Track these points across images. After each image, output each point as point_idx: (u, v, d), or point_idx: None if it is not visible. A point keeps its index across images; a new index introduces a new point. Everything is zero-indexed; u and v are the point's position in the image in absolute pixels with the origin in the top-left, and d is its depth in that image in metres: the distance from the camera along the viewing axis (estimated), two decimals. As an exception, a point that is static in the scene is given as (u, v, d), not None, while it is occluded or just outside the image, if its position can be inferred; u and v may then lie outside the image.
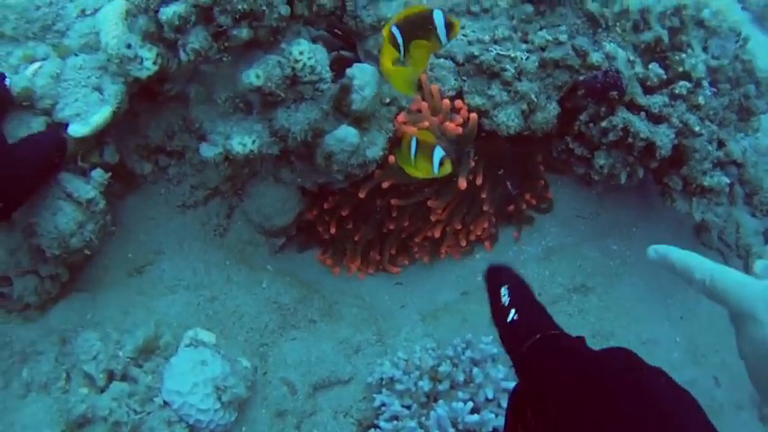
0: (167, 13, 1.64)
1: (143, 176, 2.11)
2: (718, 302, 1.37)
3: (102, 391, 1.77)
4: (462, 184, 2.06)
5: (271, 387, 2.01)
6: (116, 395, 1.75)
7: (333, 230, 2.23)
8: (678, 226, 2.50)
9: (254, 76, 1.74)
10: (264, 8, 1.69)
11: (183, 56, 1.73)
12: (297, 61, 1.77)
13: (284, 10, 1.74)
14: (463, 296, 2.36)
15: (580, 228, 2.47)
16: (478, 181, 2.11)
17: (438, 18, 1.63)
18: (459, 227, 2.23)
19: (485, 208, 2.21)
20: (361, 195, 2.12)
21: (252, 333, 2.08)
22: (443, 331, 2.22)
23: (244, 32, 1.69)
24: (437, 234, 2.22)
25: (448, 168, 1.87)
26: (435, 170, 1.87)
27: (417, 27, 1.64)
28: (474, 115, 2.10)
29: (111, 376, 1.79)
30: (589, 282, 2.37)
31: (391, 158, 2.05)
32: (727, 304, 1.33)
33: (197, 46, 1.68)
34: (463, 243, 2.32)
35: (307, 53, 1.78)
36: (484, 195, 2.19)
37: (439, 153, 1.86)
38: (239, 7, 1.64)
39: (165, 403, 1.80)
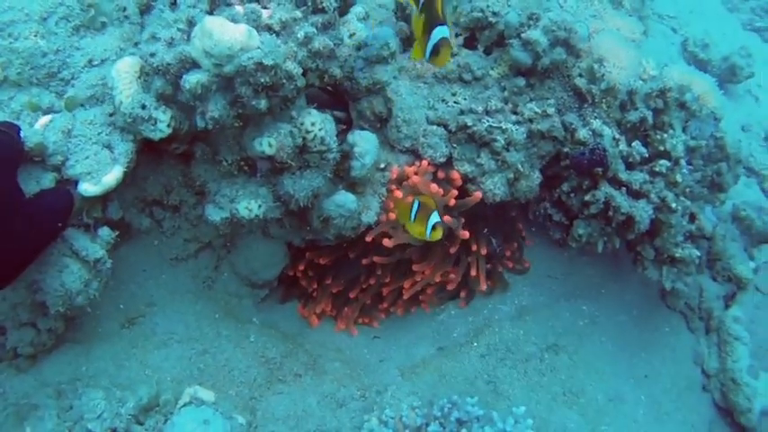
0: (191, 81, 1.66)
1: (137, 228, 2.10)
2: None
3: None
4: (465, 234, 2.14)
5: (261, 440, 2.05)
6: None
7: (314, 286, 2.29)
8: (645, 288, 2.60)
9: (266, 144, 1.77)
10: (284, 81, 1.72)
11: (200, 122, 1.75)
12: (308, 132, 1.81)
13: (301, 82, 1.77)
14: (439, 351, 2.41)
15: (552, 288, 2.55)
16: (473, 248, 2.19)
17: (438, 32, 1.64)
18: (438, 280, 2.28)
19: (472, 272, 2.30)
20: (351, 256, 2.18)
21: (242, 387, 2.11)
22: (424, 387, 2.27)
23: (262, 103, 1.71)
24: (418, 284, 2.27)
25: (438, 234, 1.95)
26: (428, 234, 1.95)
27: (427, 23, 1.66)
28: (478, 194, 2.17)
29: None
30: (560, 341, 2.45)
31: (392, 215, 2.11)
32: None
33: (216, 115, 1.70)
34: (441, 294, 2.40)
35: (318, 124, 1.82)
36: (474, 247, 2.27)
37: (434, 218, 1.93)
38: (262, 80, 1.67)
39: None
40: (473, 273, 2.29)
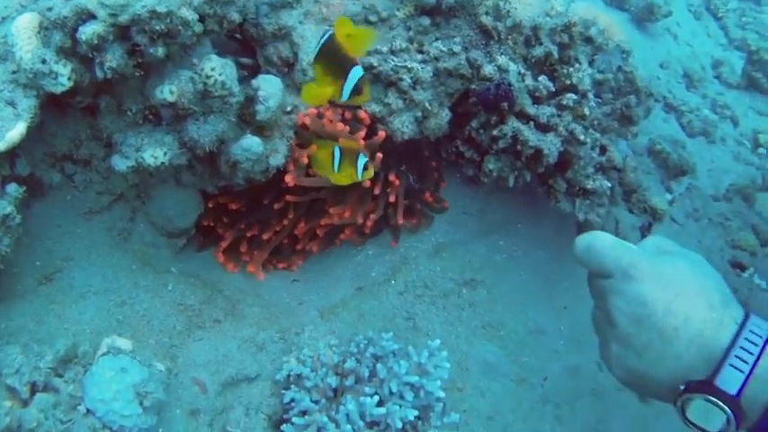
0: (87, 32, 1.70)
1: (49, 184, 2.13)
2: (593, 265, 1.59)
3: (26, 403, 1.80)
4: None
5: (182, 387, 2.08)
6: (42, 406, 1.79)
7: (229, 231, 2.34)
8: (560, 222, 2.66)
9: (168, 92, 1.81)
10: (180, 27, 1.76)
11: (99, 73, 1.79)
12: (209, 77, 1.84)
13: (198, 28, 1.81)
14: (358, 291, 2.48)
15: (467, 225, 2.62)
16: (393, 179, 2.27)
17: (354, 74, 1.73)
18: (360, 221, 2.33)
19: (390, 199, 2.34)
20: (266, 201, 2.24)
21: (161, 335, 2.15)
22: (343, 327, 2.34)
23: (160, 51, 1.76)
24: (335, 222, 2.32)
25: (371, 173, 1.99)
26: (359, 176, 1.98)
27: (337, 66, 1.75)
28: (382, 134, 2.22)
29: (33, 388, 1.83)
30: (478, 276, 2.52)
31: (304, 159, 2.16)
32: (604, 264, 1.55)
33: (114, 65, 1.75)
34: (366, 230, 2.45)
35: (218, 69, 1.85)
36: (393, 178, 2.33)
37: (362, 159, 1.97)
38: (157, 28, 1.71)
39: (89, 411, 1.84)
40: (392, 199, 2.34)
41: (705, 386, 1.38)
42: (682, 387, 1.41)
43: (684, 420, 1.42)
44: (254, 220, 2.33)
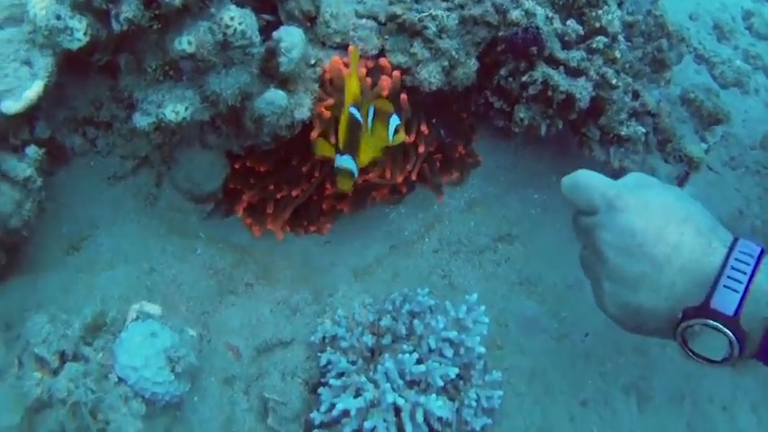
0: (101, -18, 1.62)
1: (72, 150, 2.06)
2: (580, 201, 1.62)
3: (56, 372, 1.75)
4: (412, 137, 2.13)
5: (216, 354, 2.02)
6: (72, 376, 1.73)
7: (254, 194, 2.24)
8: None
9: (186, 42, 1.72)
10: (197, -25, 1.68)
11: (115, 26, 1.70)
12: (228, 27, 1.75)
13: (216, -24, 1.73)
14: (392, 250, 2.39)
15: (500, 179, 2.52)
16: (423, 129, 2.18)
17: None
18: (400, 180, 2.24)
19: (420, 150, 2.24)
20: (294, 162, 2.15)
21: (192, 302, 2.08)
22: (378, 286, 2.26)
23: (176, 0, 1.67)
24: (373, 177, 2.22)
25: (402, 137, 1.94)
26: (390, 138, 1.93)
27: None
28: (396, 73, 2.11)
29: (62, 357, 1.77)
30: (513, 230, 2.44)
31: (327, 114, 2.07)
32: (590, 199, 1.57)
33: (130, 15, 1.66)
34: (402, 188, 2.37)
35: (237, 18, 1.76)
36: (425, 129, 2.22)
37: (395, 121, 1.92)
38: (173, -25, 1.63)
39: (120, 379, 1.78)
40: (421, 150, 2.24)
41: (701, 310, 1.36)
42: (679, 316, 1.40)
43: (688, 353, 1.42)
44: (280, 180, 2.23)
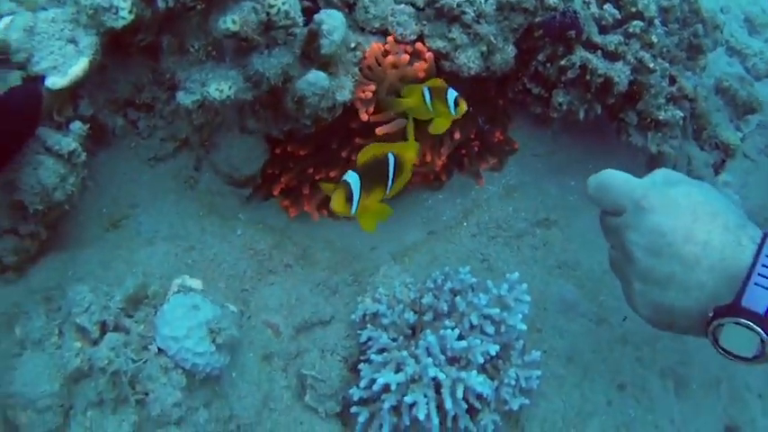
0: (148, -41, 1.64)
1: (112, 132, 2.08)
2: (606, 202, 1.63)
3: (96, 343, 1.76)
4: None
5: (255, 331, 2.03)
6: (113, 345, 1.74)
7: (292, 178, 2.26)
8: (632, 158, 2.55)
9: (230, 21, 1.73)
10: (242, -44, 1.70)
11: (160, 3, 1.73)
12: (272, 6, 1.77)
13: (259, -43, 1.75)
14: (430, 235, 2.41)
15: (537, 166, 2.53)
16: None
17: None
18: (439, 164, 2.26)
19: (456, 136, 2.26)
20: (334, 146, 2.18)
21: (232, 280, 2.10)
22: (417, 269, 2.27)
23: (222, -23, 1.69)
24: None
25: (463, 107, 1.95)
26: (453, 111, 1.95)
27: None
28: (430, 54, 2.12)
29: (103, 328, 1.78)
30: (551, 215, 2.44)
31: (368, 94, 2.08)
32: (616, 199, 1.59)
33: (176, -8, 1.69)
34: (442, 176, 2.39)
35: (281, -1, 1.79)
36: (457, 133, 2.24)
37: (452, 94, 1.94)
38: (218, -45, 1.66)
39: (160, 351, 1.79)
40: (456, 136, 2.25)
41: (732, 309, 1.35)
42: (710, 315, 1.38)
43: (720, 351, 1.40)
44: (319, 163, 2.24)
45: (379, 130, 2.09)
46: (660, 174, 1.61)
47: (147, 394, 1.77)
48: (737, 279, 1.35)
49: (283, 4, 1.78)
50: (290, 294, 2.13)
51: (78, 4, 1.75)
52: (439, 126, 2.02)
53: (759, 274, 1.33)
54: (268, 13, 1.78)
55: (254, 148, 2.18)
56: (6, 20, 1.74)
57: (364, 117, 2.10)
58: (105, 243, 2.04)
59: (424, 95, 1.98)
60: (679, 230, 1.44)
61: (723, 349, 1.39)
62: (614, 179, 1.61)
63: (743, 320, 1.32)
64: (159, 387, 1.77)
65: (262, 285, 2.13)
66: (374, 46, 2.11)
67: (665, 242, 1.44)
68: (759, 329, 1.31)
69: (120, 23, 1.75)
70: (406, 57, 2.09)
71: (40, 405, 1.69)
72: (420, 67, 2.08)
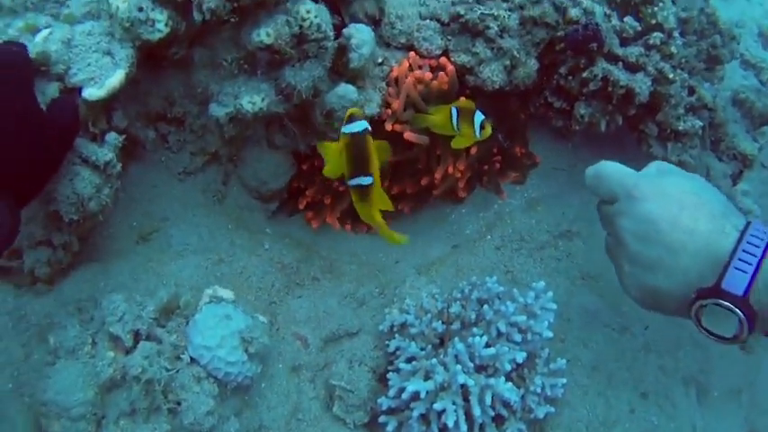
0: (185, -27, 1.69)
1: (143, 145, 2.13)
2: (601, 190, 1.79)
3: (128, 352, 1.80)
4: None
5: (284, 343, 2.08)
6: (146, 354, 1.78)
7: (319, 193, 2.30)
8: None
9: (264, 34, 1.79)
10: (274, -30, 1.75)
11: (197, 15, 1.77)
12: (304, 20, 1.82)
13: (291, -29, 1.80)
14: (454, 249, 2.45)
15: (559, 179, 2.58)
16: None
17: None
18: (458, 173, 2.29)
19: (472, 152, 2.29)
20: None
21: (260, 292, 2.14)
22: (442, 281, 2.31)
23: (258, -10, 1.74)
24: (438, 175, 2.27)
25: (488, 131, 2.03)
26: (477, 134, 2.03)
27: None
28: (451, 68, 2.18)
29: (136, 337, 1.82)
30: (573, 227, 2.48)
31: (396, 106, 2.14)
32: (610, 188, 1.74)
33: (213, 5, 1.72)
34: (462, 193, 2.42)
35: (313, 12, 1.83)
36: (474, 149, 2.28)
37: (479, 117, 2.01)
38: (252, -31, 1.70)
39: (192, 360, 1.83)
40: (473, 151, 2.29)
41: (713, 291, 1.47)
42: (693, 296, 1.50)
43: (702, 330, 1.53)
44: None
45: (407, 135, 2.15)
46: (654, 165, 1.76)
47: (179, 403, 1.80)
48: (720, 264, 1.47)
49: (315, 17, 1.83)
50: (317, 307, 2.18)
51: (114, 17, 1.79)
52: (460, 142, 2.09)
53: (739, 259, 1.44)
54: (301, 26, 1.83)
55: (281, 164, 2.23)
56: (45, 32, 1.77)
57: (389, 127, 2.16)
58: (136, 255, 2.07)
59: (451, 115, 2.04)
60: (667, 218, 1.56)
61: (705, 329, 1.52)
62: (610, 169, 1.77)
63: (723, 302, 1.44)
64: (192, 396, 1.80)
65: (290, 298, 2.18)
66: (403, 63, 2.17)
67: (654, 229, 1.57)
68: (737, 310, 1.42)
69: (156, 36, 1.80)
70: (429, 74, 2.15)
71: (74, 413, 1.72)
72: (441, 79, 2.14)
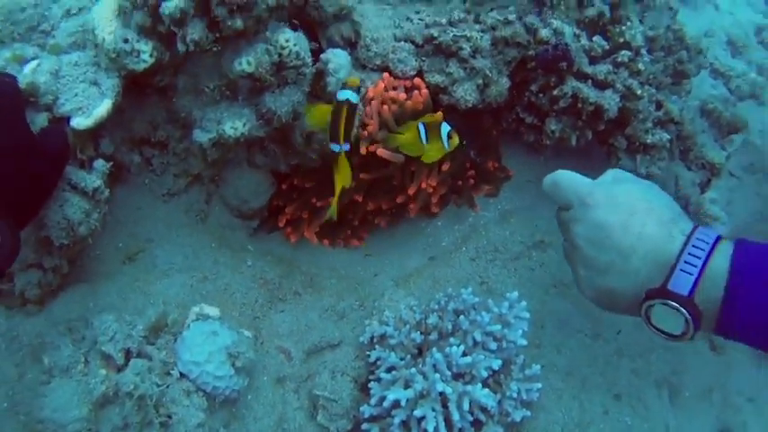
0: (170, 6, 1.76)
1: (128, 169, 2.22)
2: (557, 198, 1.89)
3: (120, 369, 1.89)
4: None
5: (268, 356, 2.18)
6: (138, 371, 1.88)
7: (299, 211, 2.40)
8: (621, 183, 2.70)
9: (246, 63, 1.89)
10: (256, 0, 1.84)
11: (181, 47, 1.86)
12: (284, 48, 1.92)
13: (271, 1, 1.89)
14: (431, 261, 2.55)
15: (532, 191, 2.68)
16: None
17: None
18: (430, 189, 2.37)
19: (443, 168, 2.37)
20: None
21: (244, 308, 2.24)
22: (419, 293, 2.41)
23: (238, 23, 1.82)
24: (411, 191, 2.35)
25: (456, 141, 2.12)
26: (446, 146, 2.12)
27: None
28: (425, 91, 2.28)
29: (128, 355, 1.92)
30: (546, 238, 2.59)
31: (371, 128, 2.24)
32: (565, 196, 1.84)
33: (196, 37, 1.82)
34: (435, 208, 2.50)
35: (292, 40, 1.93)
36: (445, 165, 2.37)
37: (445, 128, 2.11)
38: (236, 0, 1.79)
39: (182, 375, 1.94)
40: (444, 167, 2.38)
41: (661, 292, 1.57)
42: (643, 297, 1.61)
43: (652, 328, 1.64)
44: (321, 194, 2.38)
45: (379, 152, 2.24)
46: (610, 173, 1.88)
47: (170, 417, 1.91)
48: (667, 266, 1.58)
49: (294, 45, 1.94)
50: (299, 320, 2.28)
51: (100, 48, 1.89)
52: (431, 156, 2.17)
53: (685, 262, 1.55)
54: (280, 54, 1.93)
55: (261, 183, 2.33)
56: (33, 64, 1.87)
57: (363, 150, 2.26)
58: (123, 276, 2.16)
59: (419, 131, 2.13)
60: (617, 224, 1.67)
61: (654, 328, 1.63)
62: (566, 178, 1.88)
63: (670, 302, 1.55)
64: (182, 410, 1.91)
65: (272, 313, 2.28)
66: (378, 84, 2.28)
67: (606, 234, 1.68)
68: (683, 310, 1.53)
69: (141, 66, 1.90)
70: (403, 95, 2.25)
71: (70, 429, 1.81)
72: (416, 99, 2.25)
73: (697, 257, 1.55)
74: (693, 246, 1.57)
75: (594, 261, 1.72)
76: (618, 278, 1.68)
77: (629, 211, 1.68)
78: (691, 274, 1.54)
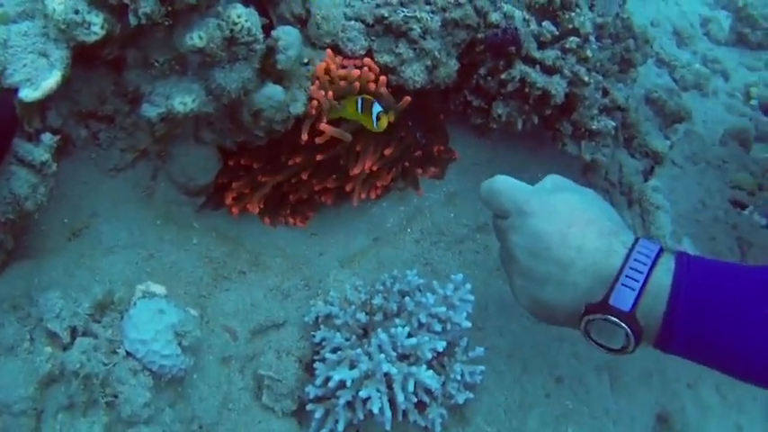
0: (122, -22, 1.82)
1: (74, 143, 2.24)
2: (494, 205, 1.89)
3: (66, 348, 1.93)
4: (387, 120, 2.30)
5: (214, 336, 2.23)
6: (84, 349, 1.91)
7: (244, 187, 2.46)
8: (566, 167, 2.82)
9: (197, 37, 1.94)
10: (208, -25, 1.90)
11: (132, 20, 1.90)
12: (235, 23, 1.98)
13: (223, -24, 1.95)
14: (375, 241, 2.63)
15: (478, 174, 2.74)
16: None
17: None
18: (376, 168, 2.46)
19: (386, 152, 2.47)
20: (284, 159, 2.39)
21: (190, 286, 2.29)
22: (364, 273, 2.49)
23: (190, -3, 1.88)
24: (354, 172, 2.43)
25: (384, 123, 2.20)
26: (375, 125, 2.20)
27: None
28: (383, 78, 2.36)
29: (73, 333, 1.96)
30: (490, 221, 2.61)
31: (322, 100, 2.31)
32: (502, 203, 1.84)
33: (148, 10, 1.86)
34: (378, 191, 2.59)
35: (244, 16, 1.99)
36: (388, 150, 2.46)
37: (376, 108, 2.19)
38: (187, -26, 1.85)
39: (128, 354, 1.97)
40: (387, 152, 2.47)
41: (601, 307, 1.58)
42: (582, 311, 1.62)
43: (592, 343, 1.65)
44: (268, 172, 2.45)
45: (322, 126, 2.32)
46: (549, 180, 1.89)
47: (116, 396, 1.94)
48: (608, 280, 1.59)
49: (246, 21, 1.99)
50: (244, 299, 2.33)
51: (50, 18, 1.90)
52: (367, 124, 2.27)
53: (626, 276, 1.57)
54: (232, 30, 1.98)
55: (208, 159, 2.37)
56: (-21, 34, 1.89)
57: (304, 137, 2.34)
58: (68, 252, 2.19)
59: (357, 104, 2.22)
60: (555, 235, 1.67)
61: (594, 341, 1.65)
62: (502, 185, 1.88)
63: (611, 317, 1.56)
64: (129, 389, 1.94)
65: (218, 291, 2.32)
66: (321, 65, 2.34)
67: (543, 245, 1.69)
68: (624, 325, 1.55)
69: (92, 38, 1.92)
70: (357, 71, 2.32)
71: (16, 409, 1.84)
72: (366, 74, 2.33)
73: (639, 272, 1.56)
74: (635, 260, 1.58)
75: (532, 271, 1.72)
76: (556, 290, 1.68)
77: (567, 222, 1.67)
78: (633, 289, 1.55)
